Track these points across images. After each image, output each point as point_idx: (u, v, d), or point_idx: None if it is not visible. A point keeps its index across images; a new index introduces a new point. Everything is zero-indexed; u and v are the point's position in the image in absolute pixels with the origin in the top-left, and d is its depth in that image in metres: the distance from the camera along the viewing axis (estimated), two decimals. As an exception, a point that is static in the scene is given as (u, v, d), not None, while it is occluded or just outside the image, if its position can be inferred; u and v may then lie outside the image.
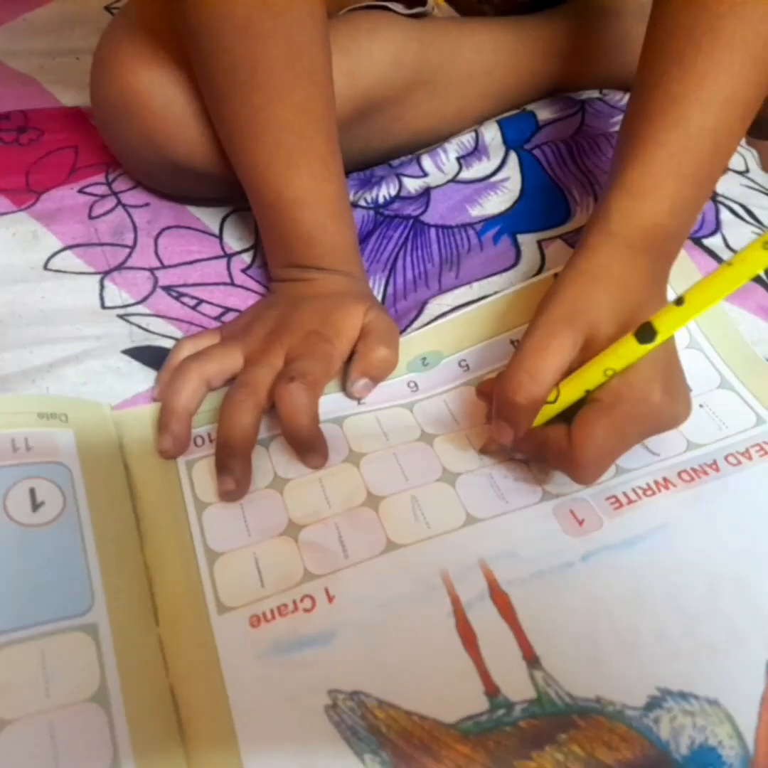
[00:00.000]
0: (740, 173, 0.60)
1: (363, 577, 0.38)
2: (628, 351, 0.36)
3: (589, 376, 0.38)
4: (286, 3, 0.43)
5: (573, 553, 0.38)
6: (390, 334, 0.48)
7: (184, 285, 0.55)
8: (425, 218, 0.60)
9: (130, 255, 0.57)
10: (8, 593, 0.35)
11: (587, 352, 0.39)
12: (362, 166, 0.64)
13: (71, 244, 0.57)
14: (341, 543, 0.39)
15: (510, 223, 0.59)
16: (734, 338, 0.48)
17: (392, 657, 0.35)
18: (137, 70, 0.51)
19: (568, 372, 0.39)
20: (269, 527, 0.40)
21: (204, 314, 0.54)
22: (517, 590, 0.37)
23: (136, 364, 0.49)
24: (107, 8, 0.87)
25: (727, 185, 0.59)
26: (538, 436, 0.39)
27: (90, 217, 0.59)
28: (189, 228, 0.60)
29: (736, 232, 0.55)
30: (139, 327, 0.52)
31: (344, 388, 0.48)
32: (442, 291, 0.54)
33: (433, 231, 0.59)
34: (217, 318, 0.54)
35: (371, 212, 0.60)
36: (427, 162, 0.62)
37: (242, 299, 0.55)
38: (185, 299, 0.54)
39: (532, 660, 0.35)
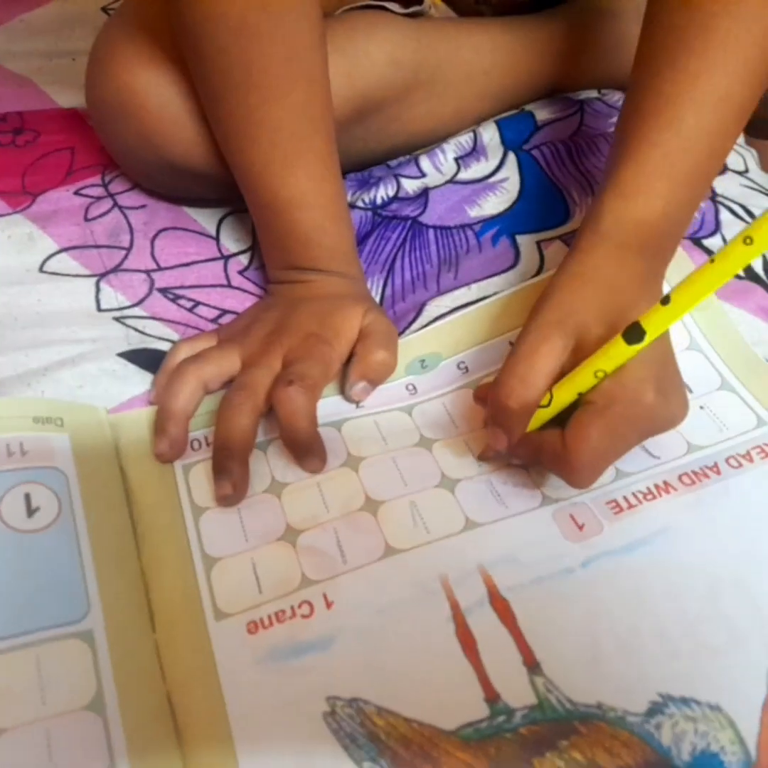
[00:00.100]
0: (740, 173, 0.60)
1: (362, 582, 0.38)
2: (617, 352, 0.36)
3: (581, 379, 0.38)
4: (281, 3, 0.43)
5: (573, 559, 0.38)
6: (389, 336, 0.48)
7: (181, 287, 0.55)
8: (423, 219, 0.59)
9: (126, 257, 0.56)
10: (3, 600, 0.35)
11: (579, 354, 0.39)
12: (360, 167, 0.64)
13: (67, 246, 0.57)
14: (340, 548, 0.39)
15: (509, 223, 0.58)
16: (734, 339, 0.48)
17: (391, 663, 0.35)
18: (134, 69, 0.51)
19: (561, 375, 0.39)
20: (267, 532, 0.40)
21: (201, 316, 0.53)
22: (517, 596, 0.37)
23: (132, 367, 0.49)
24: (104, 9, 0.86)
25: (727, 185, 0.59)
26: (533, 441, 0.39)
27: (86, 219, 0.59)
28: (186, 229, 0.59)
29: (736, 233, 0.54)
30: (136, 329, 0.52)
31: (343, 391, 0.47)
32: (440, 292, 0.54)
33: (431, 232, 0.59)
34: (214, 320, 0.53)
35: (369, 213, 0.60)
36: (425, 163, 0.62)
37: (240, 301, 0.55)
38: (182, 301, 0.54)
39: (532, 666, 0.35)
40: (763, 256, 0.54)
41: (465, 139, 0.63)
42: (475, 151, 0.63)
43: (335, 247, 0.50)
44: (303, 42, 0.45)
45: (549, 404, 0.38)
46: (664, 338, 0.39)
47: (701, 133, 0.43)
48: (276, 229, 0.50)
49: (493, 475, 0.42)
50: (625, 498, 0.40)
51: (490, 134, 0.63)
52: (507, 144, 0.63)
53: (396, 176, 0.61)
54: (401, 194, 0.61)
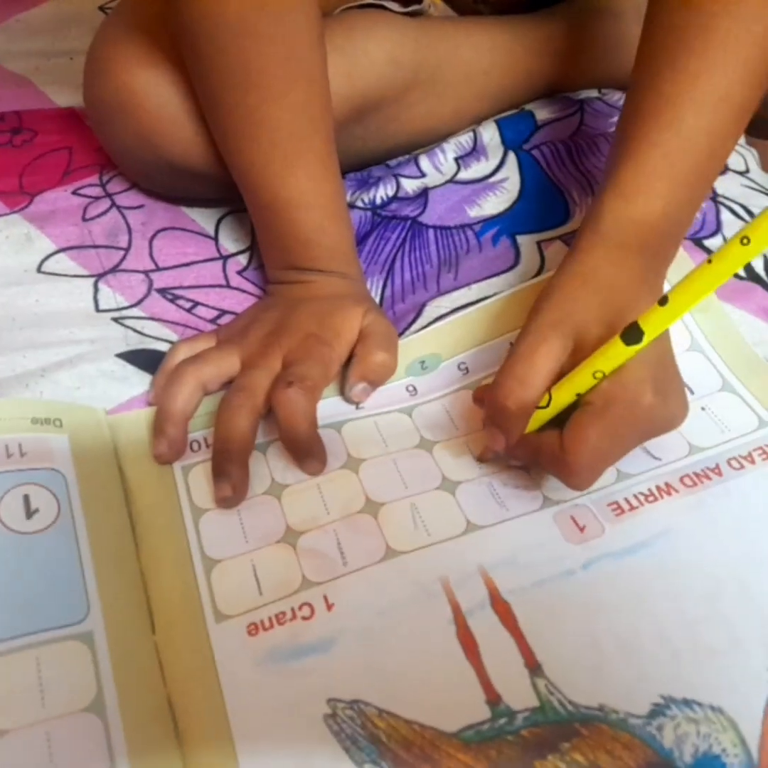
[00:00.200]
0: (740, 173, 0.60)
1: (362, 584, 0.38)
2: (616, 353, 0.36)
3: (580, 380, 0.37)
4: (280, 2, 0.43)
5: (574, 561, 0.38)
6: (389, 337, 0.48)
7: (180, 287, 0.55)
8: (423, 219, 0.59)
9: (124, 257, 0.56)
10: (2, 602, 0.35)
11: (578, 355, 0.39)
12: (359, 167, 0.64)
13: (65, 246, 0.56)
14: (340, 550, 0.39)
15: (509, 223, 0.58)
16: (736, 340, 0.48)
17: (392, 665, 0.35)
18: (132, 69, 0.51)
19: (560, 376, 0.39)
20: (267, 534, 0.40)
21: (200, 317, 0.53)
22: (518, 598, 0.37)
23: (131, 368, 0.49)
24: (102, 8, 0.86)
25: (728, 185, 0.59)
26: (531, 442, 0.39)
27: (84, 219, 0.59)
28: (184, 229, 0.59)
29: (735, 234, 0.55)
30: (134, 330, 0.51)
31: (342, 392, 0.47)
32: (440, 293, 0.54)
33: (431, 232, 0.58)
34: (213, 321, 0.53)
35: (369, 213, 0.60)
36: (425, 162, 0.62)
37: (238, 302, 0.55)
38: (181, 302, 0.54)
39: (534, 668, 0.34)
40: (764, 256, 0.54)
41: (465, 139, 0.63)
42: (475, 150, 0.63)
43: (335, 248, 0.50)
44: (302, 41, 0.45)
45: (548, 405, 0.38)
46: (664, 339, 0.39)
47: (701, 133, 0.43)
48: (275, 229, 0.50)
49: (494, 477, 0.42)
50: (626, 499, 0.40)
51: (490, 134, 0.63)
52: (507, 144, 0.63)
53: (396, 176, 0.61)
54: (401, 194, 0.61)
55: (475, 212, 0.59)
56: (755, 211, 0.57)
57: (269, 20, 0.43)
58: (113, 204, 0.60)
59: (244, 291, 0.55)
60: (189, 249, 0.57)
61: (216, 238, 0.59)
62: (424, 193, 0.61)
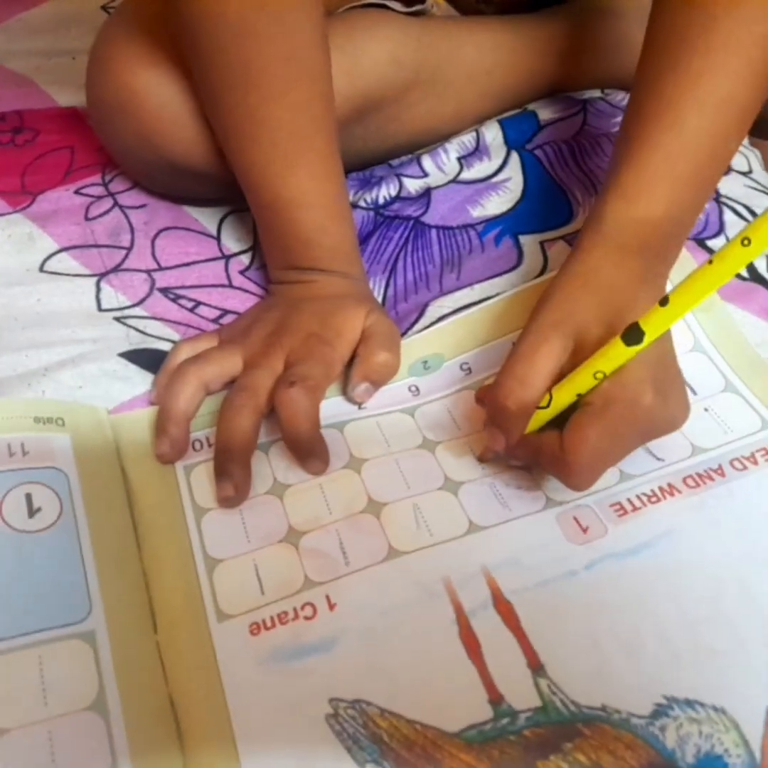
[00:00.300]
0: (743, 174, 0.60)
1: (364, 584, 0.38)
2: (616, 353, 0.36)
3: (580, 380, 0.37)
4: (280, 1, 0.43)
5: (577, 562, 0.38)
6: (391, 337, 0.48)
7: (182, 287, 0.55)
8: (426, 219, 0.59)
9: (126, 257, 0.56)
10: (4, 600, 0.35)
11: (578, 356, 0.38)
12: (360, 167, 0.63)
13: (67, 245, 0.56)
14: (342, 550, 0.39)
15: (512, 223, 0.58)
16: (738, 341, 0.48)
17: (394, 665, 0.35)
18: (134, 69, 0.51)
19: (561, 377, 0.39)
20: (269, 533, 0.40)
21: (202, 316, 0.53)
22: (520, 598, 0.37)
23: (133, 368, 0.49)
24: (104, 8, 0.86)
25: (730, 186, 0.58)
26: (531, 442, 0.39)
27: (86, 219, 0.59)
28: (187, 229, 0.59)
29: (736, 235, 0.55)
30: (136, 330, 0.51)
31: (345, 392, 0.47)
32: (443, 293, 0.54)
33: (433, 232, 0.58)
34: (215, 320, 0.53)
35: (371, 213, 0.60)
36: (427, 162, 0.62)
37: (241, 301, 0.55)
38: (183, 301, 0.54)
39: (536, 668, 0.34)
40: (767, 257, 0.53)
41: (468, 139, 0.63)
42: (478, 150, 0.63)
43: (337, 247, 0.50)
44: (304, 40, 0.45)
45: (548, 405, 0.38)
46: (665, 339, 0.39)
47: (703, 134, 0.43)
48: (277, 229, 0.50)
49: (497, 478, 0.42)
50: (629, 500, 0.40)
51: (492, 134, 0.63)
52: (510, 143, 0.63)
53: (398, 176, 0.61)
54: (403, 194, 0.61)
55: (477, 212, 0.59)
56: (758, 211, 0.57)
57: (270, 19, 0.43)
58: (115, 203, 0.60)
59: (246, 291, 0.55)
60: (191, 248, 0.57)
61: (218, 238, 0.59)
62: (426, 193, 0.61)
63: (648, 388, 0.36)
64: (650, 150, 0.43)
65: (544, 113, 0.65)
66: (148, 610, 0.37)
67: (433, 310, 0.53)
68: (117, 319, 0.52)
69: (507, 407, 0.38)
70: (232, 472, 0.41)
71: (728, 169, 0.60)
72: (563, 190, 0.60)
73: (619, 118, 0.65)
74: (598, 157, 0.62)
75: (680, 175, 0.43)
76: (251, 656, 0.35)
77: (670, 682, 0.34)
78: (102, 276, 0.55)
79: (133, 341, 0.51)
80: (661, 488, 0.41)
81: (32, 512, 0.38)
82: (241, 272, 0.57)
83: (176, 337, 0.51)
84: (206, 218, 0.60)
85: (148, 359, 0.49)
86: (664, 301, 0.34)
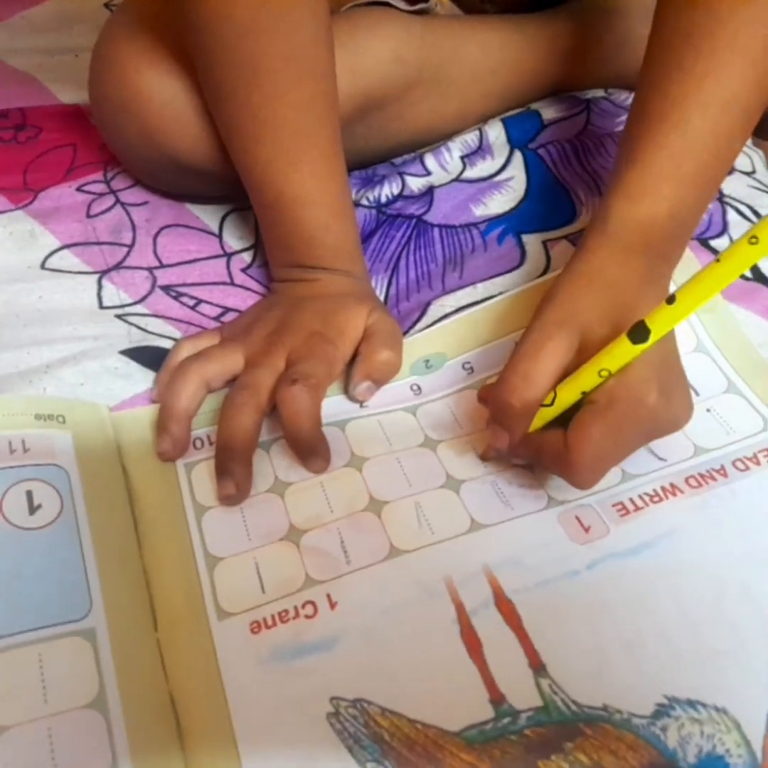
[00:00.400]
0: (747, 174, 0.60)
1: (366, 582, 0.37)
2: (622, 351, 0.36)
3: (585, 378, 0.37)
4: (288, 2, 0.43)
5: (578, 561, 0.38)
6: (393, 336, 0.48)
7: (183, 284, 0.55)
8: (428, 218, 0.59)
9: (128, 254, 0.56)
10: (5, 597, 0.34)
11: (583, 354, 0.38)
12: (362, 165, 0.63)
13: (69, 242, 0.56)
14: (343, 548, 0.39)
15: (515, 223, 0.58)
16: (741, 342, 0.48)
17: (396, 664, 0.35)
18: (137, 67, 0.51)
19: (565, 375, 0.39)
20: (270, 532, 0.40)
21: (203, 314, 0.53)
22: (522, 598, 0.37)
23: (134, 365, 0.49)
24: (106, 5, 0.86)
25: (734, 186, 0.58)
26: (534, 441, 0.39)
27: (88, 216, 0.59)
28: (188, 227, 0.59)
29: (743, 233, 0.54)
30: (138, 327, 0.51)
31: (347, 390, 0.47)
32: (445, 292, 0.54)
33: (436, 230, 0.58)
34: (217, 318, 0.53)
35: (373, 211, 0.60)
36: (430, 161, 0.62)
37: (242, 299, 0.54)
38: (184, 299, 0.54)
39: (538, 668, 0.34)
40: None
41: (471, 138, 0.63)
42: (481, 149, 0.63)
43: (339, 246, 0.50)
44: (308, 38, 0.45)
45: (552, 403, 0.38)
46: (670, 340, 0.39)
47: (708, 134, 0.43)
48: (280, 227, 0.50)
49: (499, 476, 0.42)
50: (631, 500, 0.40)
51: (496, 133, 0.63)
52: (513, 142, 0.63)
53: (401, 174, 0.61)
54: (406, 192, 0.61)
55: (480, 211, 0.59)
56: (762, 211, 0.57)
57: (274, 17, 0.43)
58: (117, 201, 0.60)
59: (247, 288, 0.55)
60: (193, 246, 0.57)
61: (220, 236, 0.59)
62: (429, 192, 0.61)
63: (653, 387, 0.36)
64: (655, 150, 0.43)
65: (548, 112, 0.65)
66: (148, 607, 0.37)
67: (435, 309, 0.53)
68: (118, 316, 0.52)
69: (511, 404, 0.38)
70: (233, 470, 0.41)
71: (732, 169, 0.60)
72: (566, 190, 0.60)
73: (622, 118, 0.65)
74: (601, 156, 0.62)
75: (685, 176, 0.43)
76: (252, 655, 0.35)
77: (671, 682, 0.34)
78: (103, 273, 0.55)
79: (134, 339, 0.51)
80: (663, 488, 0.41)
81: (33, 509, 0.38)
82: (243, 270, 0.57)
83: (177, 334, 0.51)
84: (208, 216, 0.60)
85: (149, 357, 0.49)
86: (670, 300, 0.34)
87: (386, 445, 0.44)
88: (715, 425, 0.44)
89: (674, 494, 0.40)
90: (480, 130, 0.63)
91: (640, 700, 0.33)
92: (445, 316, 0.52)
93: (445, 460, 0.43)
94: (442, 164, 0.62)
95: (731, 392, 0.46)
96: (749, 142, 0.64)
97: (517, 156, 0.62)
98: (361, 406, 0.47)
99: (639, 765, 0.32)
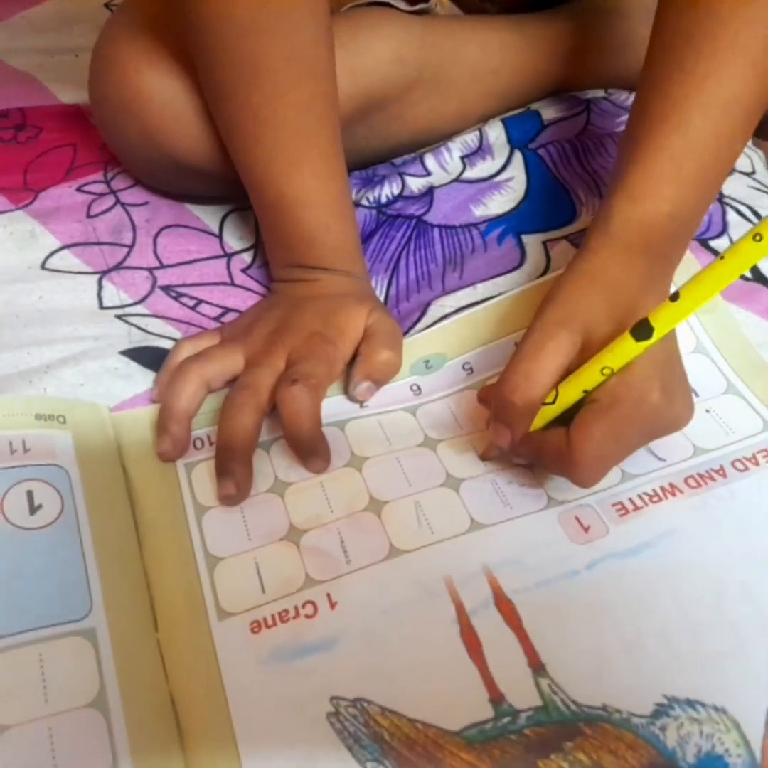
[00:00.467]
0: (747, 174, 0.60)
1: (366, 582, 0.38)
2: (625, 349, 0.36)
3: (587, 376, 0.37)
4: (288, 2, 0.43)
5: (578, 561, 0.38)
6: (393, 336, 0.48)
7: (183, 285, 0.55)
8: (428, 218, 0.59)
9: (128, 254, 0.56)
10: (5, 597, 0.34)
11: (585, 353, 0.39)
12: (362, 165, 0.63)
13: (69, 243, 0.56)
14: (343, 548, 0.39)
15: (515, 223, 0.58)
16: (740, 343, 0.48)
17: (395, 664, 0.35)
18: (137, 67, 0.51)
19: (567, 374, 0.39)
20: (270, 532, 0.40)
21: (203, 315, 0.53)
22: (522, 598, 0.37)
23: (134, 365, 0.49)
24: (107, 5, 0.86)
25: (734, 187, 0.58)
26: (536, 440, 0.39)
27: (88, 216, 0.59)
28: (188, 227, 0.59)
29: (743, 234, 0.54)
30: (138, 327, 0.51)
31: (346, 390, 0.47)
32: (445, 292, 0.54)
33: (436, 231, 0.58)
34: (217, 318, 0.53)
35: (373, 212, 0.60)
36: (430, 161, 0.62)
37: (242, 299, 0.55)
38: (184, 299, 0.54)
39: (537, 667, 0.34)
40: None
41: (471, 138, 0.63)
42: (481, 149, 0.63)
43: (339, 246, 0.50)
44: (308, 38, 0.45)
45: (554, 402, 0.38)
46: (671, 340, 0.39)
47: (709, 136, 0.43)
48: (280, 227, 0.50)
49: (498, 475, 0.42)
50: (630, 500, 0.40)
51: (496, 133, 0.63)
52: (513, 143, 0.63)
53: (401, 174, 0.61)
54: (406, 193, 0.61)
55: (480, 211, 0.59)
56: (762, 212, 0.57)
57: (277, 19, 0.43)
58: (117, 201, 0.60)
59: (248, 289, 0.55)
60: (193, 246, 0.57)
61: (220, 236, 0.59)
62: (429, 192, 0.61)
63: (655, 385, 0.36)
64: (656, 151, 0.43)
65: (548, 113, 0.65)
66: (148, 607, 0.37)
67: (435, 310, 0.53)
68: (118, 316, 0.52)
69: (513, 402, 0.38)
70: (233, 470, 0.41)
71: (732, 170, 0.60)
72: (566, 190, 0.60)
73: (622, 118, 0.65)
74: (601, 156, 0.62)
75: (686, 177, 0.43)
76: (252, 655, 0.35)
77: (670, 682, 0.34)
78: (104, 274, 0.55)
79: (134, 339, 0.51)
80: (662, 488, 0.41)
81: (33, 509, 0.38)
82: (243, 270, 0.57)
83: (178, 335, 0.51)
84: (208, 216, 0.60)
85: (149, 357, 0.49)
86: (674, 297, 0.34)
87: (386, 445, 0.44)
88: (715, 426, 0.44)
89: (673, 494, 0.40)
90: (480, 130, 0.63)
91: (640, 700, 0.33)
92: (445, 316, 0.52)
93: (445, 459, 0.43)
94: (442, 164, 0.62)
95: (731, 393, 0.46)
96: (749, 142, 0.64)
97: (517, 156, 0.62)
98: (361, 406, 0.47)
99: (638, 764, 0.32)
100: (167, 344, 0.50)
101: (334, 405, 0.46)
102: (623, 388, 0.36)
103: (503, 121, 0.64)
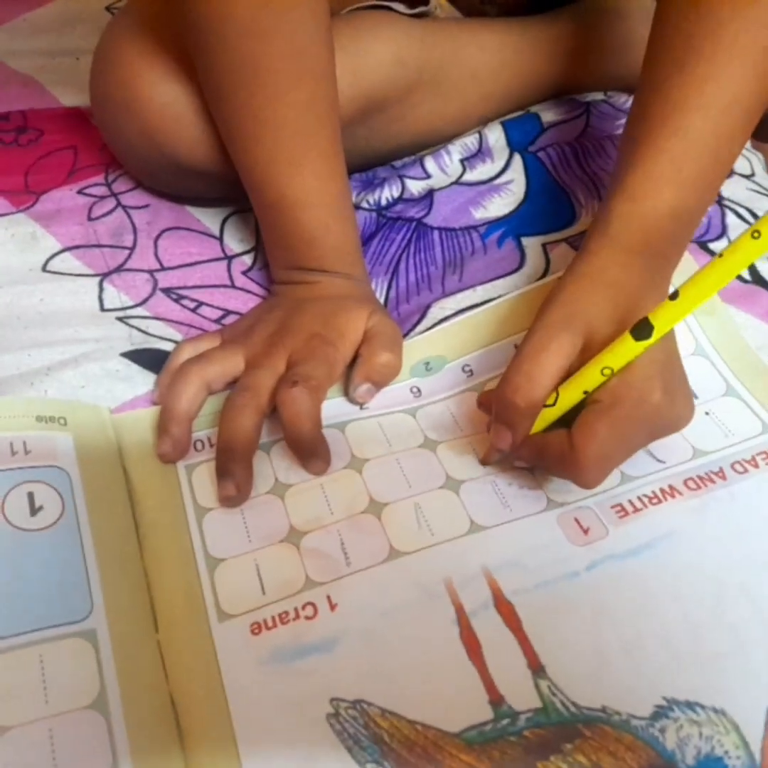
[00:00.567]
0: (746, 177, 0.60)
1: (365, 584, 0.38)
2: (625, 349, 0.36)
3: (588, 377, 0.37)
4: (288, 2, 0.43)
5: (578, 563, 0.38)
6: (393, 338, 0.48)
7: (184, 287, 0.55)
8: (428, 220, 0.59)
9: (129, 257, 0.56)
10: (6, 598, 0.35)
11: (586, 354, 0.39)
12: (363, 168, 0.64)
13: (70, 245, 0.57)
14: (343, 550, 0.39)
15: (514, 225, 0.58)
16: (740, 345, 0.48)
17: (395, 665, 0.35)
18: (138, 68, 0.51)
19: (568, 376, 0.39)
20: (270, 533, 0.40)
21: (204, 317, 0.53)
22: (521, 599, 0.37)
23: (135, 367, 0.49)
24: (108, 8, 0.86)
25: (733, 189, 0.58)
26: (537, 442, 0.39)
27: (89, 219, 0.59)
28: (189, 229, 0.59)
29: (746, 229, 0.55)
30: (139, 330, 0.52)
31: (347, 392, 0.47)
32: (445, 294, 0.54)
33: (436, 233, 0.58)
34: (218, 321, 0.53)
35: (373, 214, 0.60)
36: (430, 163, 0.62)
37: (243, 302, 0.55)
38: (185, 302, 0.54)
39: (537, 669, 0.34)
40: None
41: (470, 141, 0.63)
42: (481, 152, 0.63)
43: (339, 247, 0.50)
44: (308, 38, 0.45)
45: (555, 403, 0.38)
46: (671, 340, 0.39)
47: (708, 137, 0.43)
48: (280, 229, 0.50)
49: (498, 477, 0.42)
50: (630, 502, 0.40)
51: (495, 136, 0.63)
52: (513, 145, 0.63)
53: (401, 177, 0.61)
54: (406, 195, 0.61)
55: (480, 214, 0.59)
56: (760, 214, 0.57)
57: (277, 20, 0.43)
58: (118, 203, 0.60)
59: (248, 291, 0.55)
60: (194, 249, 0.58)
61: (221, 238, 0.59)
62: (429, 195, 0.61)
63: (656, 385, 0.37)
64: (656, 153, 0.43)
65: (547, 115, 0.65)
66: (149, 609, 0.37)
67: (435, 312, 0.53)
68: (119, 319, 0.52)
69: (515, 403, 0.38)
70: (233, 472, 0.41)
71: (731, 172, 0.60)
72: (566, 192, 0.60)
73: (622, 121, 0.65)
74: (601, 159, 0.62)
75: (686, 179, 0.43)
76: (252, 656, 0.35)
77: (670, 684, 0.34)
78: (105, 276, 0.55)
79: (135, 341, 0.51)
80: (662, 490, 0.41)
81: (34, 511, 0.38)
82: (244, 273, 0.57)
83: (178, 337, 0.52)
84: (209, 219, 0.60)
85: (150, 359, 0.49)
86: (674, 295, 0.34)
87: (386, 447, 0.44)
88: (714, 428, 0.44)
89: (673, 496, 0.40)
90: (479, 133, 0.63)
91: (639, 702, 0.33)
92: (445, 318, 0.52)
93: (445, 461, 0.43)
94: (442, 167, 0.62)
95: (730, 395, 0.46)
96: (748, 144, 0.64)
97: (517, 159, 0.62)
98: (361, 408, 0.47)
99: (637, 766, 0.32)
100: (168, 346, 0.50)
101: (334, 407, 0.47)
102: (624, 388, 0.36)
103: (503, 123, 0.64)
